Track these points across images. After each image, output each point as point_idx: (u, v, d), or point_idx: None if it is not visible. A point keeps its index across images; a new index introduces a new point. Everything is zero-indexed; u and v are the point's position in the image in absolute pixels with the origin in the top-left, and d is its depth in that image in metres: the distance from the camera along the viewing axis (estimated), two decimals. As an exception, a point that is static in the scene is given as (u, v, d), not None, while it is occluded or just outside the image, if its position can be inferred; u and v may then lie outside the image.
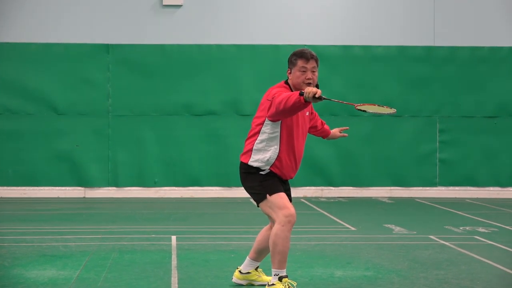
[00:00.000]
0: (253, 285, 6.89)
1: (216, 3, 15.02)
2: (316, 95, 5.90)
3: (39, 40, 14.67)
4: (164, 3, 14.86)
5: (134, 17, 14.89)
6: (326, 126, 7.20)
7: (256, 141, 6.47)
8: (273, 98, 6.28)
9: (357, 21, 15.20)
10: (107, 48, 14.73)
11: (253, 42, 14.93)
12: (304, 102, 5.96)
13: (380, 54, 15.11)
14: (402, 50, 15.14)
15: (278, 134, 6.41)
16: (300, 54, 6.45)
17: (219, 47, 14.88)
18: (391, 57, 15.12)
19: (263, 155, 6.43)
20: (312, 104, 6.68)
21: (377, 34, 15.18)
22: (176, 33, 14.92)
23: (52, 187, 14.64)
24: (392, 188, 15.11)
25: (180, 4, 14.90)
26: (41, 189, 14.61)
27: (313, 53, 6.48)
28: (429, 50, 15.18)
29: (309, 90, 5.94)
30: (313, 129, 7.09)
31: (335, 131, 7.27)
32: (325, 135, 7.22)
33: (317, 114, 7.05)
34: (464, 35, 15.24)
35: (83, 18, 14.79)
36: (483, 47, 15.19)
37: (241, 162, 6.56)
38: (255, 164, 6.44)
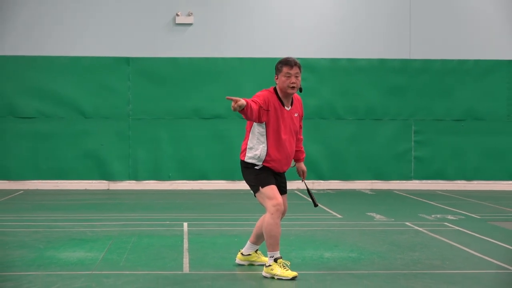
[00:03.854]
0: (253, 265, 6.89)
1: (221, 22, 15.03)
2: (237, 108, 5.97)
3: (69, 53, 14.69)
4: (177, 22, 14.88)
5: (151, 34, 14.90)
6: (300, 148, 6.73)
7: (248, 141, 6.48)
8: None
9: (343, 37, 15.20)
10: (127, 60, 14.74)
11: (253, 55, 14.94)
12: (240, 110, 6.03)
13: (363, 65, 15.12)
14: (382, 62, 15.15)
15: (265, 134, 6.40)
16: (285, 62, 6.41)
17: (224, 59, 14.89)
18: (373, 68, 15.12)
19: (254, 152, 6.42)
20: (303, 112, 6.69)
21: (361, 49, 15.18)
22: (187, 48, 14.92)
23: (81, 180, 14.65)
24: (373, 181, 15.12)
25: (190, 23, 14.91)
26: (71, 182, 14.62)
27: (297, 60, 6.43)
28: (406, 63, 15.19)
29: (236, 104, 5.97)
30: None
31: (301, 166, 6.75)
32: (295, 157, 6.73)
33: (301, 129, 6.75)
34: (435, 50, 15.25)
35: (107, 35, 14.80)
36: (452, 60, 15.20)
37: (240, 159, 6.58)
38: (250, 161, 6.45)
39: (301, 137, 6.75)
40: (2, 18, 14.69)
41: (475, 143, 15.19)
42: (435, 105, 15.19)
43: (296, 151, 6.69)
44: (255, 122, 6.37)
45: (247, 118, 6.26)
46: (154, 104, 14.77)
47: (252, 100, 6.23)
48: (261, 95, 6.38)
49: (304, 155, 6.82)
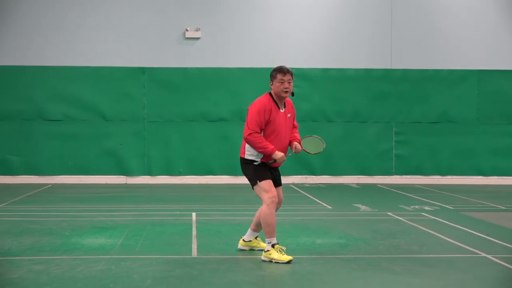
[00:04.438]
0: (253, 250, 6.91)
1: (225, 37, 15.03)
2: (281, 161, 6.35)
3: (92, 64, 14.70)
4: (186, 36, 14.88)
5: (163, 47, 14.90)
6: (294, 133, 6.67)
7: None
8: (246, 121, 6.30)
9: (333, 50, 15.21)
10: (143, 70, 14.75)
11: (253, 65, 14.95)
12: (271, 157, 6.31)
13: (350, 74, 15.12)
14: (367, 72, 15.15)
15: (263, 134, 6.41)
16: (279, 70, 6.42)
17: (228, 69, 14.89)
18: (359, 77, 15.13)
19: (253, 150, 6.43)
20: (295, 113, 6.70)
21: (348, 60, 15.19)
22: (195, 59, 14.93)
23: (102, 176, 14.66)
24: (359, 176, 15.13)
25: (198, 37, 14.92)
26: (93, 177, 14.63)
27: (289, 68, 6.45)
28: (388, 72, 15.19)
29: (280, 159, 6.25)
30: None
31: (295, 144, 6.61)
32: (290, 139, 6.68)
33: (295, 121, 6.73)
34: (414, 60, 15.26)
35: (124, 48, 14.82)
36: (428, 69, 15.21)
37: (240, 156, 6.59)
38: (249, 157, 6.45)
39: (296, 124, 6.72)
40: (31, 33, 14.70)
41: (449, 143, 15.21)
42: (413, 109, 15.20)
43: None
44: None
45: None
46: (166, 109, 14.78)
47: (259, 135, 6.28)
48: (255, 113, 6.28)
49: (298, 137, 6.65)
